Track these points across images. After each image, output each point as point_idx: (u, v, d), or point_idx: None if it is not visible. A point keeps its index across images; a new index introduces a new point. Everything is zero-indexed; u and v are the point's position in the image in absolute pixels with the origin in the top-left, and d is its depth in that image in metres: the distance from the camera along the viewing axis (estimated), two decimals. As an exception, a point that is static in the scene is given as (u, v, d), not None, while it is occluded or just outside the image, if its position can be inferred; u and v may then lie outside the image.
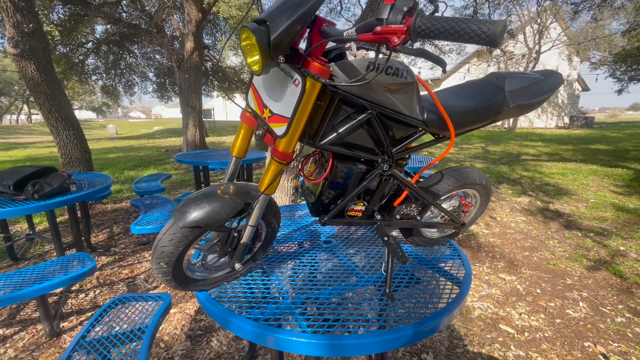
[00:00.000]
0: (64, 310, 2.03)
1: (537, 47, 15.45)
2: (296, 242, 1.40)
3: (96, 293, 2.23)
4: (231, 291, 1.04)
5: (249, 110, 0.88)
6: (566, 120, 19.90)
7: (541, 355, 1.69)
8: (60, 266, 1.76)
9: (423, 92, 0.94)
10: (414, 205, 1.10)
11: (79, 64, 10.14)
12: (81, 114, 54.86)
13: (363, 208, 1.02)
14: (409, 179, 1.06)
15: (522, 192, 4.73)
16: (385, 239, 1.01)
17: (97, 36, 9.91)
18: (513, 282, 2.37)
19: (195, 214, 0.80)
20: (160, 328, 1.89)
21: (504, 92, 1.02)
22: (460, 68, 17.23)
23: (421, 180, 1.20)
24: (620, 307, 2.08)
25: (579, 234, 3.24)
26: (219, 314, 0.94)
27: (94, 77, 11.85)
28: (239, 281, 1.09)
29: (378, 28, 0.61)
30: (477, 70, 17.51)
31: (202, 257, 0.95)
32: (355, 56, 0.77)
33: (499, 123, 18.43)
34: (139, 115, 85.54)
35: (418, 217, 1.13)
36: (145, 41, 8.26)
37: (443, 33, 0.58)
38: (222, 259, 1.01)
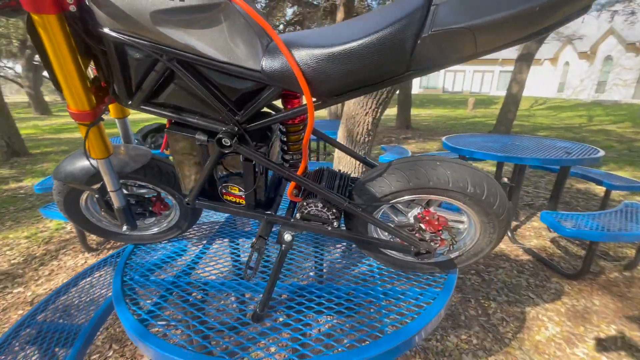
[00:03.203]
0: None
1: None
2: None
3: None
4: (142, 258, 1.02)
5: None
6: None
7: None
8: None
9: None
10: (320, 205, 0.77)
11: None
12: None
13: (242, 194, 0.79)
14: (287, 165, 0.80)
15: None
16: (255, 240, 0.76)
17: (287, 18, 10.75)
18: None
19: (61, 169, 0.83)
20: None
21: (427, 7, 0.53)
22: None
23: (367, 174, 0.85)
24: None
25: None
26: (115, 287, 0.90)
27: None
28: (156, 249, 1.07)
29: None
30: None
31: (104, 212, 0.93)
32: None
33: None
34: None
35: (335, 223, 0.79)
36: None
37: None
38: (151, 219, 1.02)
